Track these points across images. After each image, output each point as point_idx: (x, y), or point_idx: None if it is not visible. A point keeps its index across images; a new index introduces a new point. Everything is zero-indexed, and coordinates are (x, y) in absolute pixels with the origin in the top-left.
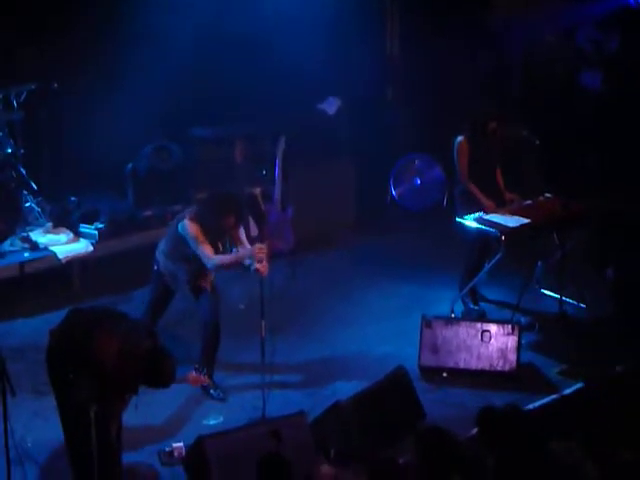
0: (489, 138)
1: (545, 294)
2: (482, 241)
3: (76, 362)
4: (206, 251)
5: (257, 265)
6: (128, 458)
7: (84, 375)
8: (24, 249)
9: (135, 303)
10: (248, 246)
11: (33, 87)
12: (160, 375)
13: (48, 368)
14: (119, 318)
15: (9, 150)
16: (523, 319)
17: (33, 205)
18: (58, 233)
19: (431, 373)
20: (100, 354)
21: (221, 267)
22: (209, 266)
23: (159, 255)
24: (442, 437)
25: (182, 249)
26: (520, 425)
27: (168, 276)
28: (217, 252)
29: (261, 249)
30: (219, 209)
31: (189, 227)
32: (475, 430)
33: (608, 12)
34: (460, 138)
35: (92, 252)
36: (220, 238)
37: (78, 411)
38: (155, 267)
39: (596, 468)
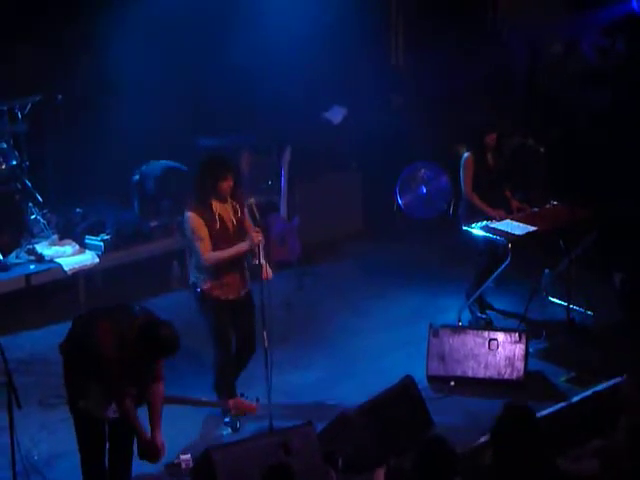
0: (492, 152)
1: (552, 302)
2: (491, 249)
3: (85, 364)
4: (202, 247)
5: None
6: (135, 470)
7: (92, 377)
8: (30, 261)
9: None
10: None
11: (38, 99)
12: (159, 344)
13: (65, 385)
14: (112, 308)
15: (14, 162)
16: (530, 327)
17: (38, 217)
18: (64, 245)
19: (439, 382)
20: (101, 347)
21: (219, 262)
22: (205, 264)
23: (192, 276)
24: (441, 447)
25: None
26: (532, 430)
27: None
28: (228, 232)
29: (257, 232)
30: (213, 173)
31: (189, 220)
32: (483, 439)
33: (613, 19)
34: (467, 155)
35: (98, 264)
36: (228, 212)
37: (93, 423)
38: (196, 291)
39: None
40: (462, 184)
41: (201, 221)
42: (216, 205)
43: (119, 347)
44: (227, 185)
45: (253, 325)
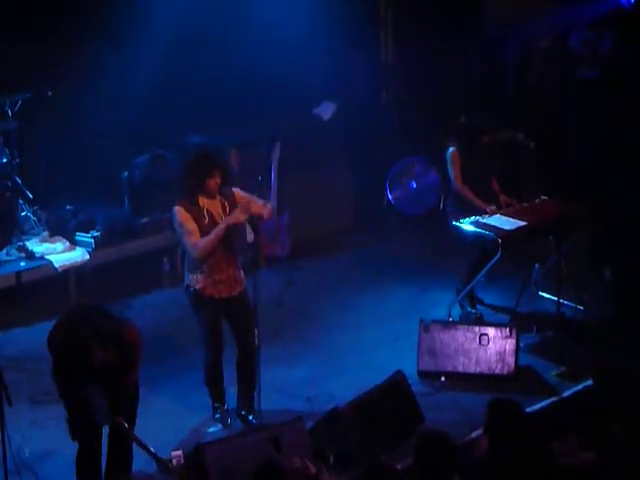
0: (480, 149)
1: (543, 296)
2: (481, 244)
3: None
4: (191, 239)
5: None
6: None
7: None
8: (20, 258)
9: (132, 311)
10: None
11: (28, 96)
12: (123, 346)
13: None
14: (94, 308)
15: (4, 159)
16: (521, 322)
17: (29, 214)
18: (54, 242)
19: (429, 377)
20: (49, 345)
21: (208, 249)
22: (195, 255)
23: (186, 277)
24: (442, 442)
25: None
26: (521, 424)
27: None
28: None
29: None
30: (200, 170)
31: (176, 214)
32: (474, 434)
33: (602, 14)
34: (452, 149)
35: (88, 260)
36: (217, 208)
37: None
38: (190, 291)
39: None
40: (451, 178)
41: (188, 215)
42: (203, 201)
43: (67, 348)
44: (214, 182)
45: (249, 323)
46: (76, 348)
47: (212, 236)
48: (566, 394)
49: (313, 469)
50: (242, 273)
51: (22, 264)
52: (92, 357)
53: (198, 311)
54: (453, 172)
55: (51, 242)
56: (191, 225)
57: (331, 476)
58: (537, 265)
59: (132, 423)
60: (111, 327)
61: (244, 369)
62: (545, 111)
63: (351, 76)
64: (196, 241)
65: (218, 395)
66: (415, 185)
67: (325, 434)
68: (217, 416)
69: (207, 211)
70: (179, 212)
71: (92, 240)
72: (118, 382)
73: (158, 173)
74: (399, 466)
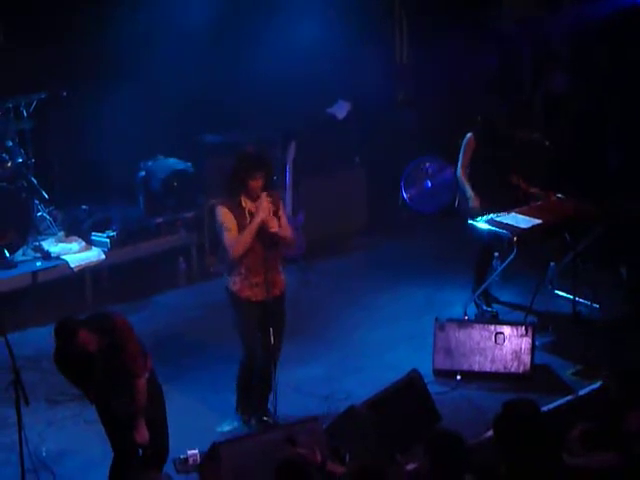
0: (500, 140)
1: (558, 295)
2: (487, 241)
3: None
4: (229, 237)
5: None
6: None
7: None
8: (36, 258)
9: (148, 311)
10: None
11: (43, 96)
12: (115, 330)
13: None
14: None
15: (20, 160)
16: (536, 320)
17: (45, 214)
18: (70, 242)
19: (445, 376)
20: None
21: (242, 246)
22: (231, 253)
23: (225, 279)
24: (452, 441)
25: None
26: (537, 426)
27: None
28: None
29: (267, 200)
30: (244, 171)
31: (217, 212)
32: (489, 433)
33: (618, 10)
34: (469, 135)
35: (104, 260)
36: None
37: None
38: (228, 291)
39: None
40: (458, 162)
41: (230, 215)
42: (246, 202)
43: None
44: (256, 185)
45: (277, 328)
46: (76, 350)
47: (245, 233)
48: (582, 392)
49: (319, 457)
50: (282, 276)
51: (38, 264)
52: (88, 349)
53: (235, 311)
54: (462, 158)
55: (67, 242)
56: (231, 224)
57: (337, 466)
58: (553, 263)
59: (164, 422)
60: (97, 318)
61: (263, 371)
62: (559, 110)
63: (366, 75)
64: (233, 239)
65: (244, 397)
66: (430, 184)
67: (341, 432)
68: (237, 415)
69: (249, 211)
70: (221, 211)
71: (108, 240)
72: (129, 383)
73: (175, 187)
74: (414, 465)
